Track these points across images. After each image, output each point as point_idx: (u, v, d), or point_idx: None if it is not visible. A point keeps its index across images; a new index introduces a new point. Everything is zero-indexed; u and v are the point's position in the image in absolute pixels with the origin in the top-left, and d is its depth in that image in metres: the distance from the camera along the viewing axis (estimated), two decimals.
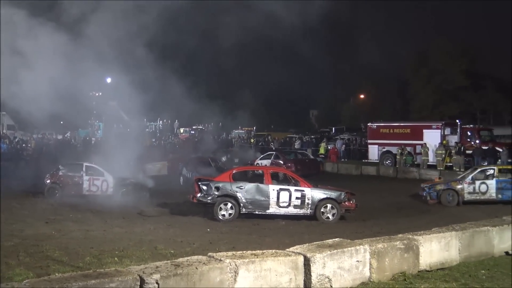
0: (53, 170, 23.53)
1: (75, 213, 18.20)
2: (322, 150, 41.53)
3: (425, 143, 34.25)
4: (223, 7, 32.49)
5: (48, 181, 23.01)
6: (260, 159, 34.14)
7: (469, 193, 21.92)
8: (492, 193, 21.73)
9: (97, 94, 36.19)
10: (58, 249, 12.22)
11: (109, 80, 30.20)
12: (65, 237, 14.16)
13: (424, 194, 22.40)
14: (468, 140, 33.98)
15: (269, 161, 33.25)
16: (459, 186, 22.08)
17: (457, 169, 30.91)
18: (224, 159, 35.03)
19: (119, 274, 6.78)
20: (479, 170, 23.10)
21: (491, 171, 22.39)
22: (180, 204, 20.17)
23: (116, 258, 11.34)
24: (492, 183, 21.79)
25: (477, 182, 21.94)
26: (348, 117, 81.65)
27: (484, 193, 21.83)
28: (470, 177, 22.45)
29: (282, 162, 32.76)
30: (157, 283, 6.81)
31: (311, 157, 38.87)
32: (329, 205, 17.76)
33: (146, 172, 28.52)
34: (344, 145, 44.51)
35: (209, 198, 17.61)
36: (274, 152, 35.67)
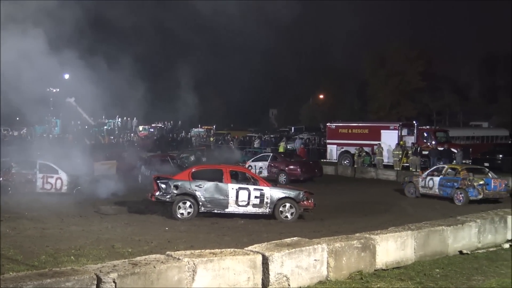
0: (5, 167, 23.03)
1: (30, 211, 17.85)
2: (281, 149, 41.54)
3: (379, 143, 34.74)
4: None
5: (0, 178, 22.49)
6: (253, 161, 31.76)
7: (422, 187, 23.98)
8: (436, 188, 23.38)
9: (54, 90, 35.58)
10: (13, 247, 11.98)
11: (67, 76, 29.66)
12: (20, 235, 13.88)
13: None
14: (425, 141, 34.69)
15: (266, 163, 30.88)
16: (416, 180, 24.31)
17: (414, 170, 31.46)
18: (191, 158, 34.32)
19: (75, 273, 6.70)
20: (435, 167, 25.33)
21: (443, 169, 23.98)
22: (138, 203, 19.97)
23: (72, 257, 11.18)
24: (437, 180, 23.41)
25: (427, 178, 23.80)
26: (307, 117, 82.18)
27: (431, 188, 23.62)
28: (426, 173, 24.59)
29: (284, 164, 30.42)
30: (114, 282, 6.76)
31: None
32: (287, 204, 17.83)
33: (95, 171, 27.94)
34: (303, 145, 44.75)
35: (168, 196, 17.50)
36: (271, 154, 33.09)
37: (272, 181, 25.19)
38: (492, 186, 22.21)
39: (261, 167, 30.49)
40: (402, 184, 25.69)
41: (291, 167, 30.14)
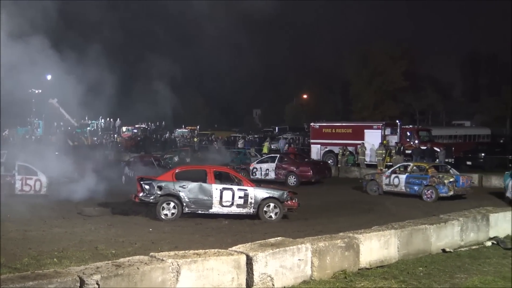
0: None
1: (12, 213, 17.66)
2: (265, 150, 41.54)
3: (362, 143, 34.98)
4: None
5: None
6: (258, 163, 30.11)
7: (386, 184, 24.18)
8: (402, 186, 23.63)
9: (36, 91, 35.34)
10: None
11: (49, 77, 29.43)
12: (2, 238, 13.70)
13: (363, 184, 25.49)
14: (408, 140, 34.94)
15: (272, 164, 29.17)
16: (379, 178, 24.53)
17: None
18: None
19: (58, 275, 6.66)
20: (399, 165, 25.69)
21: (409, 167, 24.38)
22: (121, 204, 19.84)
23: (55, 259, 11.11)
24: (403, 177, 23.68)
25: (392, 176, 24.03)
26: (291, 117, 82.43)
27: (396, 186, 23.84)
28: (389, 170, 24.97)
29: (294, 166, 28.89)
30: (97, 284, 6.73)
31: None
32: (271, 204, 17.81)
33: None
34: (287, 145, 44.81)
35: (152, 197, 17.42)
36: (278, 155, 31.17)
37: (280, 184, 25.23)
38: (461, 183, 22.74)
39: (267, 169, 29.19)
40: (362, 182, 25.61)
41: (302, 168, 28.83)
